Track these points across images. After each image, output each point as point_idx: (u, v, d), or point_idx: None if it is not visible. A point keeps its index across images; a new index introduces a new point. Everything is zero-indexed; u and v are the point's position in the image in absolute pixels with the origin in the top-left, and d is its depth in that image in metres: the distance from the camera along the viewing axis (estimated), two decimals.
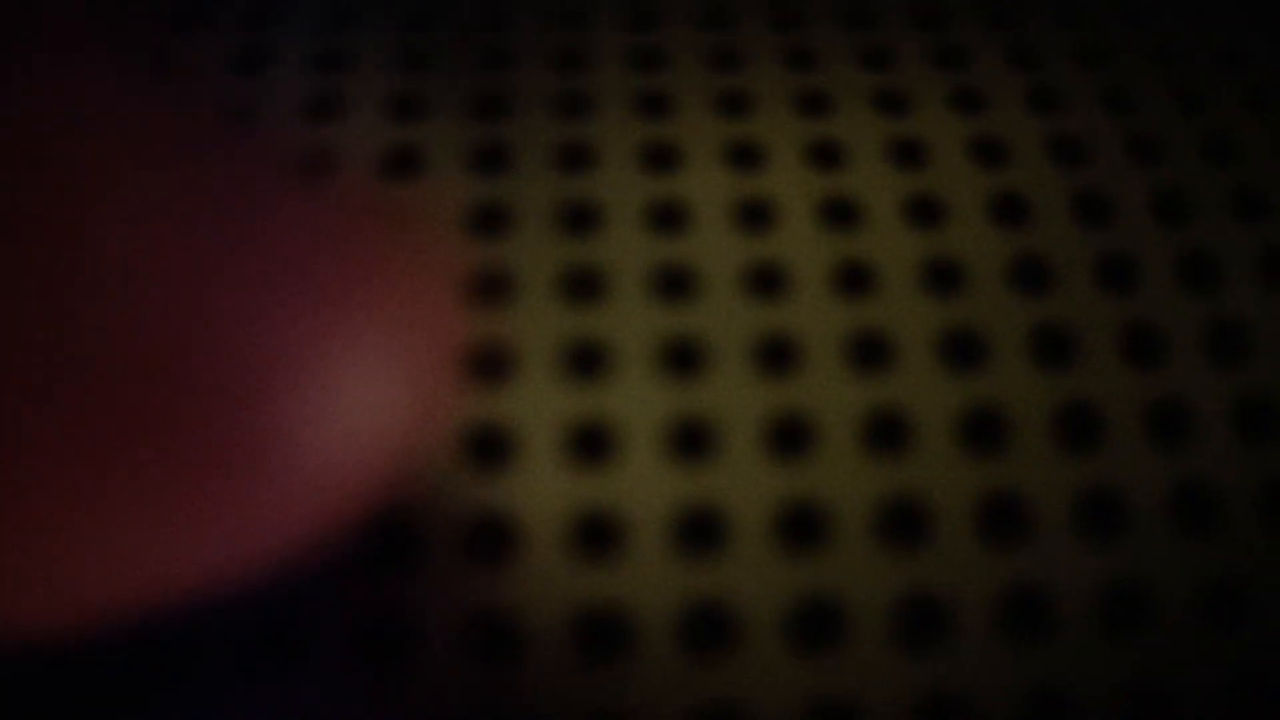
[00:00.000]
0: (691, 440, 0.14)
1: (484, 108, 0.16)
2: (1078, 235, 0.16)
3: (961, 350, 0.15)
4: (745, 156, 0.16)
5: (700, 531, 0.14)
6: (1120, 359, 0.15)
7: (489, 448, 0.14)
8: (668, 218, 0.16)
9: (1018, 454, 0.14)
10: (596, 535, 0.14)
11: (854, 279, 0.15)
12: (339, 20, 0.17)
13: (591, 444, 0.14)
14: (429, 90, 0.17)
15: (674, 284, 0.15)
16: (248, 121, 0.15)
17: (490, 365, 0.15)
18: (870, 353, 0.15)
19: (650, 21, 0.18)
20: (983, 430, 0.15)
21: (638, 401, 0.14)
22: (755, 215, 0.16)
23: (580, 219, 0.16)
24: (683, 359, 0.15)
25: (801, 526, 0.14)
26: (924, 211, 0.16)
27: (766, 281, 0.15)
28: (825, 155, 0.16)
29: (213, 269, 0.11)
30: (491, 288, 0.15)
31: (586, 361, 0.15)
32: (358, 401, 0.11)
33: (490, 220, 0.16)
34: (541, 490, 0.14)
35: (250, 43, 0.17)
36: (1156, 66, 0.17)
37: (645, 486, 0.14)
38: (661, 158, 0.16)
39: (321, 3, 0.18)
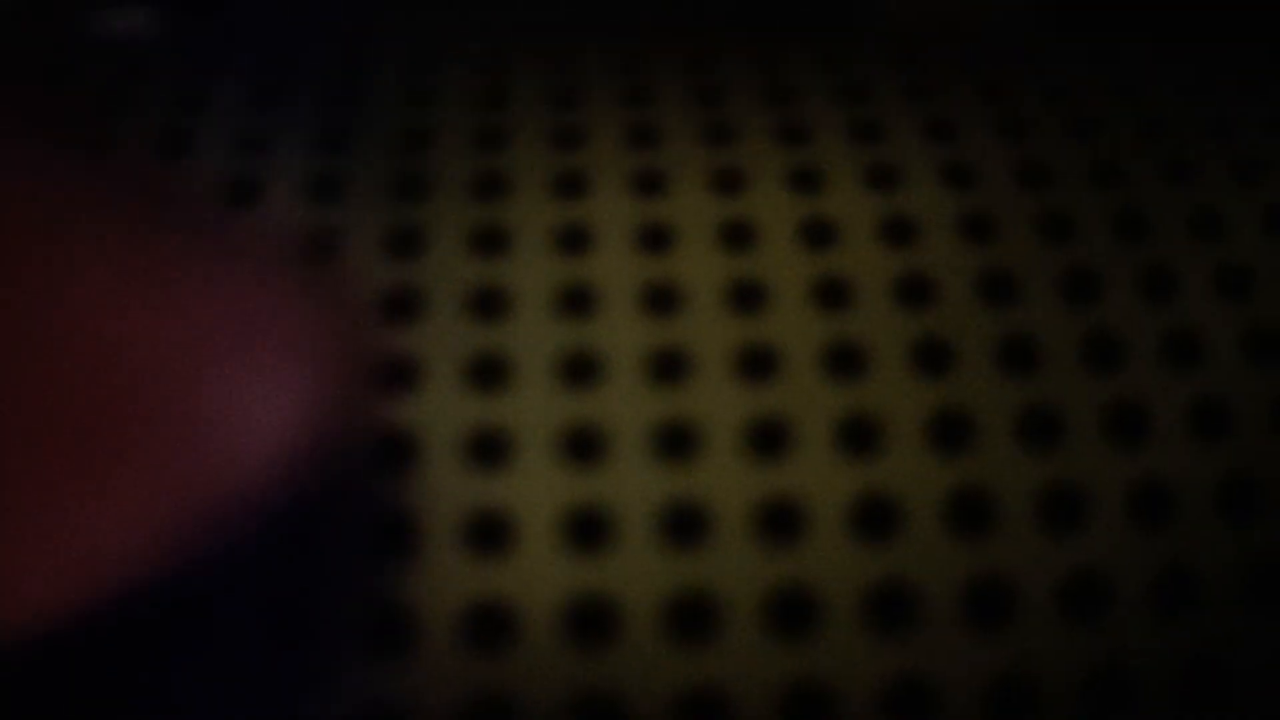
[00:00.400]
0: (589, 531, 0.15)
1: (401, 190, 0.17)
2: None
3: (860, 435, 0.15)
4: (658, 238, 0.16)
5: (594, 622, 0.14)
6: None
7: (393, 532, 0.14)
8: (578, 301, 0.16)
9: (912, 540, 0.15)
10: (493, 626, 0.14)
11: (758, 364, 0.15)
12: (262, 103, 0.18)
13: (492, 532, 0.15)
14: (346, 172, 0.17)
15: (580, 369, 0.15)
16: (173, 203, 0.15)
17: (397, 449, 0.15)
18: (770, 440, 0.15)
19: (571, 100, 0.18)
20: (876, 516, 0.15)
21: (539, 490, 0.15)
22: (664, 299, 0.16)
23: (492, 303, 0.16)
24: (585, 446, 0.15)
25: (693, 615, 0.14)
26: (831, 293, 0.16)
27: (671, 367, 0.15)
28: (738, 236, 0.16)
29: (141, 317, 0.13)
30: (401, 369, 0.15)
31: (491, 445, 0.15)
32: (266, 406, 0.13)
33: (403, 303, 0.16)
34: (441, 578, 0.14)
35: (177, 128, 0.17)
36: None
37: (542, 579, 0.14)
38: (575, 239, 0.16)
39: (246, 87, 0.18)
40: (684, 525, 0.15)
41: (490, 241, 0.16)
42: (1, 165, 0.13)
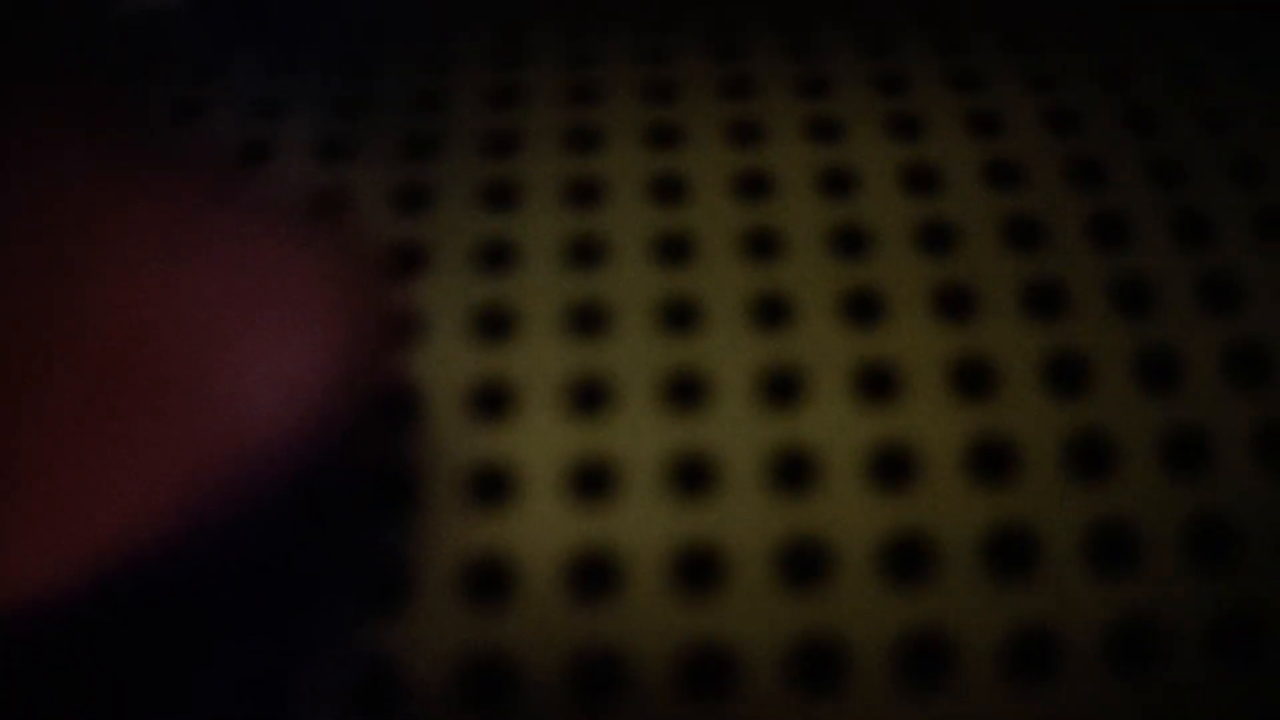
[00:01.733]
0: (594, 483, 0.14)
1: (413, 149, 0.16)
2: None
3: (876, 383, 0.15)
4: (670, 190, 0.16)
5: (598, 576, 0.14)
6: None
7: (396, 487, 0.14)
8: (587, 253, 0.15)
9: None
10: (494, 581, 0.14)
11: (770, 312, 0.15)
12: (276, 70, 0.18)
13: (495, 485, 0.14)
14: (359, 133, 0.17)
15: (587, 321, 0.15)
16: (186, 166, 0.15)
17: (401, 403, 0.15)
18: (782, 389, 0.15)
19: (590, 59, 0.18)
20: (890, 465, 0.14)
21: (545, 442, 0.14)
22: (674, 249, 0.15)
23: (499, 255, 0.16)
24: (590, 397, 0.14)
25: (701, 568, 0.14)
26: (848, 240, 0.15)
27: (680, 316, 0.15)
28: (751, 186, 0.16)
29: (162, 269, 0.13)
30: (408, 322, 0.15)
31: (496, 398, 0.15)
32: (280, 365, 0.12)
33: (410, 258, 0.16)
34: (443, 532, 0.14)
35: (192, 96, 0.17)
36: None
37: (546, 531, 0.14)
38: (586, 191, 0.16)
39: (260, 55, 0.18)
40: (692, 476, 0.14)
41: (499, 196, 0.16)
42: (22, 137, 0.14)
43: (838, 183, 0.16)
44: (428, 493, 0.14)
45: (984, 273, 0.15)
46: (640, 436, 0.14)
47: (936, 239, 0.15)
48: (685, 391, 0.15)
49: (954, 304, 0.15)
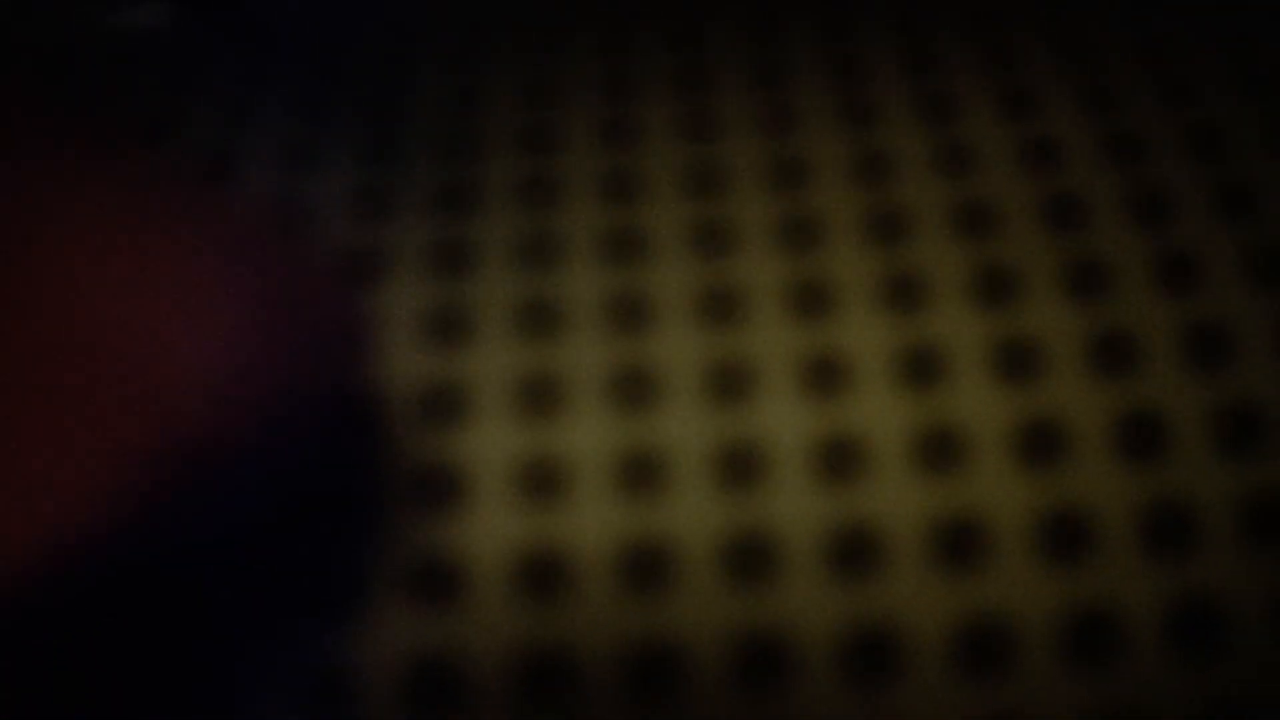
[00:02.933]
0: (642, 476, 0.14)
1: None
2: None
3: (921, 368, 0.14)
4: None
5: (649, 568, 0.14)
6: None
7: (439, 483, 0.14)
8: (627, 247, 0.15)
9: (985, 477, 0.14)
10: (545, 575, 0.14)
11: (812, 301, 0.15)
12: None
13: (542, 482, 0.14)
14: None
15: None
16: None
17: (445, 402, 0.15)
18: (828, 378, 0.14)
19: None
20: (938, 451, 0.14)
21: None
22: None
23: (540, 254, 0.15)
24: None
25: (751, 557, 0.14)
26: (887, 226, 0.15)
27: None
28: (790, 176, 0.16)
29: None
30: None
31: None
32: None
33: (450, 256, 0.15)
34: (491, 527, 0.14)
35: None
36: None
37: (595, 525, 0.14)
38: (623, 189, 0.16)
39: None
40: (740, 466, 0.14)
41: (538, 192, 0.16)
42: None
43: (875, 168, 0.16)
44: (474, 489, 0.14)
45: (1024, 256, 0.15)
46: (686, 429, 0.14)
47: (975, 223, 0.15)
48: (730, 380, 0.14)
49: (995, 288, 0.15)
